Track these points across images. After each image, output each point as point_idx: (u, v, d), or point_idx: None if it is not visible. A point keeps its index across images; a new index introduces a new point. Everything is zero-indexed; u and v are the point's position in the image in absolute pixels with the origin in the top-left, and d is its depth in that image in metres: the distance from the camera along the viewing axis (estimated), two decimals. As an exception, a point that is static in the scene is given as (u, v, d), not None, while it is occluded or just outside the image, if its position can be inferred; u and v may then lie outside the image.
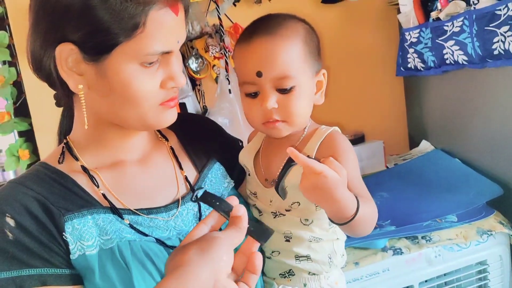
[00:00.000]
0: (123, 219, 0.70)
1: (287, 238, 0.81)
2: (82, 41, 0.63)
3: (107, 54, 0.64)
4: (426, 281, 1.34)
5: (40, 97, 1.55)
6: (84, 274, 0.66)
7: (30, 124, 1.60)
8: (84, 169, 0.72)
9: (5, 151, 1.59)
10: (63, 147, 0.75)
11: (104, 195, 0.71)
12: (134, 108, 0.67)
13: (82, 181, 0.71)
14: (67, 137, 0.76)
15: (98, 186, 0.71)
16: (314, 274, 0.82)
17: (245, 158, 0.88)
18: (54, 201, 0.67)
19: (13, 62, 1.56)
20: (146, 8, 0.62)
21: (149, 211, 0.73)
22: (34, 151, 1.61)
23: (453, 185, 1.55)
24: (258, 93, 0.77)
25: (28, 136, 1.61)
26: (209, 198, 0.64)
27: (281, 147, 0.82)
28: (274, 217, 0.81)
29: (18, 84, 1.58)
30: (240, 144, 0.95)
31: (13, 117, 1.59)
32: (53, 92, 0.75)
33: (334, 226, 0.81)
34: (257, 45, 0.75)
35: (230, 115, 1.61)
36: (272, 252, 0.83)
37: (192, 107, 1.64)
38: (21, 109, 1.59)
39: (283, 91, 0.76)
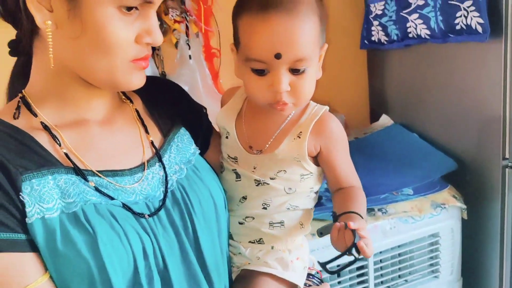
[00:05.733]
0: (87, 181, 0.65)
1: (265, 206, 0.79)
2: None
3: None
4: (380, 252, 1.36)
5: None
6: (40, 240, 0.60)
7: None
8: (45, 126, 0.66)
9: None
10: (18, 101, 0.68)
11: (66, 155, 0.66)
12: (104, 57, 0.62)
13: (42, 139, 0.65)
14: (23, 91, 0.69)
15: (60, 145, 0.66)
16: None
17: (225, 120, 0.84)
18: (11, 158, 0.60)
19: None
20: None
21: (114, 173, 0.69)
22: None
23: (410, 159, 1.58)
24: (267, 71, 0.72)
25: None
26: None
27: (269, 115, 0.80)
28: (257, 185, 0.79)
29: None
30: (204, 111, 0.91)
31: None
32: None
33: (313, 195, 0.83)
34: (275, 23, 0.68)
35: (190, 82, 1.56)
36: (245, 218, 0.81)
37: (150, 73, 1.57)
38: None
39: (296, 71, 0.72)
